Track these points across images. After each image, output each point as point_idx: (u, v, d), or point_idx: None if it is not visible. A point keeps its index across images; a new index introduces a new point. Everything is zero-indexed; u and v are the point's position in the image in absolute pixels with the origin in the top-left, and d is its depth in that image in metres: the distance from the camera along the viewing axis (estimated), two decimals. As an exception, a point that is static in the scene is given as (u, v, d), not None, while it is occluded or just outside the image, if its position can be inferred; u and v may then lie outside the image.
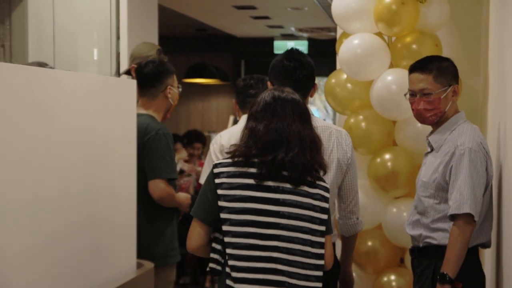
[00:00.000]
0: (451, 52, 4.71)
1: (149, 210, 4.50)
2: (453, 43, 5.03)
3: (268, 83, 4.02)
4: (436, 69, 3.82)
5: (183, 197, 4.70)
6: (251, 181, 3.18)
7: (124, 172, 4.03)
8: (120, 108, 3.98)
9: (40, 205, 3.12)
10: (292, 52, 4.00)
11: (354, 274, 5.00)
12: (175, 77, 4.73)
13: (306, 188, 3.21)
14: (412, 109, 3.89)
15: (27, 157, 3.02)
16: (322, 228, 3.23)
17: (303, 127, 3.24)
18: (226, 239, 3.18)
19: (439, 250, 3.68)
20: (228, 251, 3.19)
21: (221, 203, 3.18)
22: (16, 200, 2.96)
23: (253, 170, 3.19)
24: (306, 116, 3.28)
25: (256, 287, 3.17)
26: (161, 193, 4.47)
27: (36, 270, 3.10)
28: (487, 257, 4.25)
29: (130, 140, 4.11)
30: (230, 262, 3.18)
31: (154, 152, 4.46)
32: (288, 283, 3.17)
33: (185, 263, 8.38)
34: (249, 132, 3.24)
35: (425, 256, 3.81)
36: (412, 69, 3.89)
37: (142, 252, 4.28)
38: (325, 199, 3.25)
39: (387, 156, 4.74)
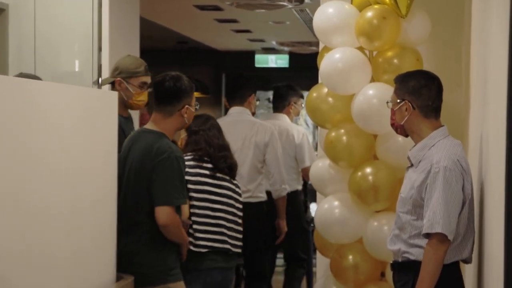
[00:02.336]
0: (432, 66, 4.73)
1: (153, 235, 4.35)
2: (434, 57, 5.05)
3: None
4: (399, 82, 3.94)
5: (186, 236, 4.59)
6: (206, 171, 4.85)
7: (105, 184, 4.01)
8: (101, 120, 3.97)
9: (18, 216, 3.09)
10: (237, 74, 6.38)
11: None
12: (194, 95, 4.59)
13: (233, 181, 4.95)
14: None
15: (6, 168, 3.00)
16: (241, 206, 4.98)
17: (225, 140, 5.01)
18: (191, 210, 4.77)
19: (417, 266, 3.68)
20: (192, 218, 4.78)
21: (188, 185, 4.71)
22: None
23: (206, 164, 4.85)
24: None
25: (208, 243, 4.77)
26: (167, 221, 4.28)
27: (15, 281, 3.08)
28: (468, 272, 4.25)
29: (111, 152, 4.10)
30: (194, 226, 4.78)
31: (164, 177, 4.29)
32: (227, 241, 4.84)
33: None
34: (205, 139, 4.89)
35: (404, 271, 3.82)
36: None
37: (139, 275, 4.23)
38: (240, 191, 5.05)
39: (368, 170, 4.74)
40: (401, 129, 3.91)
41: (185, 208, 4.68)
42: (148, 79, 4.89)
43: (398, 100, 3.88)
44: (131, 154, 4.40)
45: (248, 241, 5.57)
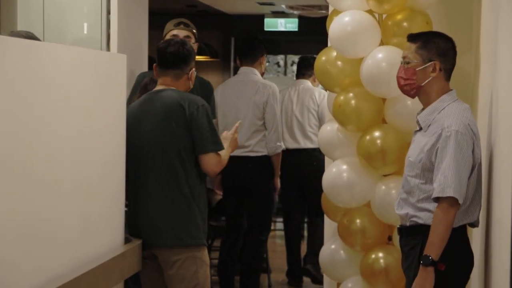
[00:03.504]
0: (442, 29, 4.69)
1: (189, 190, 4.41)
2: (444, 21, 5.02)
3: None
4: (421, 41, 3.84)
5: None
6: None
7: (114, 145, 4.02)
8: (110, 82, 3.97)
9: (27, 179, 3.10)
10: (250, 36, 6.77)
11: (341, 252, 5.05)
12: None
13: None
14: None
15: (14, 130, 3.01)
16: None
17: None
18: None
19: (425, 230, 3.69)
20: None
21: None
22: (3, 174, 2.94)
23: None
24: None
25: None
26: (216, 168, 4.45)
27: (24, 244, 3.09)
28: (475, 235, 4.26)
29: (120, 114, 4.10)
30: None
31: (204, 124, 4.37)
32: None
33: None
34: None
35: (412, 235, 3.82)
36: (407, 37, 3.93)
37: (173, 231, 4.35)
38: None
39: (377, 133, 4.73)
40: (417, 90, 3.85)
41: None
42: (179, 32, 5.27)
43: (424, 60, 3.83)
44: (151, 116, 4.43)
45: (250, 193, 6.40)
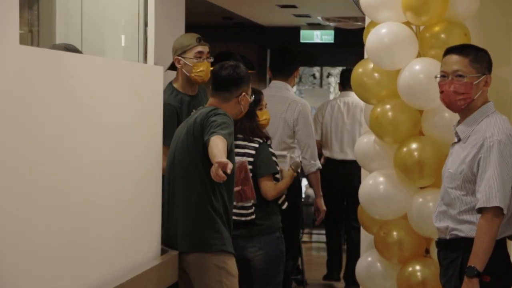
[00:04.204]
0: (480, 41, 4.66)
1: (207, 198, 4.29)
2: (482, 33, 4.98)
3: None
4: (472, 54, 3.80)
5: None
6: None
7: (150, 157, 4.03)
8: (147, 94, 3.99)
9: (65, 189, 3.13)
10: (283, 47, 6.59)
11: (378, 264, 5.02)
12: (250, 85, 4.58)
13: (245, 142, 5.08)
14: (441, 92, 3.85)
15: (53, 142, 3.03)
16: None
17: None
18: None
19: (466, 243, 3.67)
20: None
21: None
22: (41, 184, 2.97)
23: None
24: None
25: None
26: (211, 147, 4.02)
27: (61, 255, 3.11)
28: (513, 248, 4.22)
29: (157, 126, 4.12)
30: None
31: (212, 122, 4.18)
32: None
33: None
34: None
35: (452, 249, 3.79)
36: (449, 51, 3.88)
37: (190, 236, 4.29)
38: (253, 149, 5.07)
39: (414, 145, 4.71)
40: (468, 104, 3.80)
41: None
42: (204, 48, 5.03)
43: (478, 74, 3.79)
44: (184, 129, 4.40)
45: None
